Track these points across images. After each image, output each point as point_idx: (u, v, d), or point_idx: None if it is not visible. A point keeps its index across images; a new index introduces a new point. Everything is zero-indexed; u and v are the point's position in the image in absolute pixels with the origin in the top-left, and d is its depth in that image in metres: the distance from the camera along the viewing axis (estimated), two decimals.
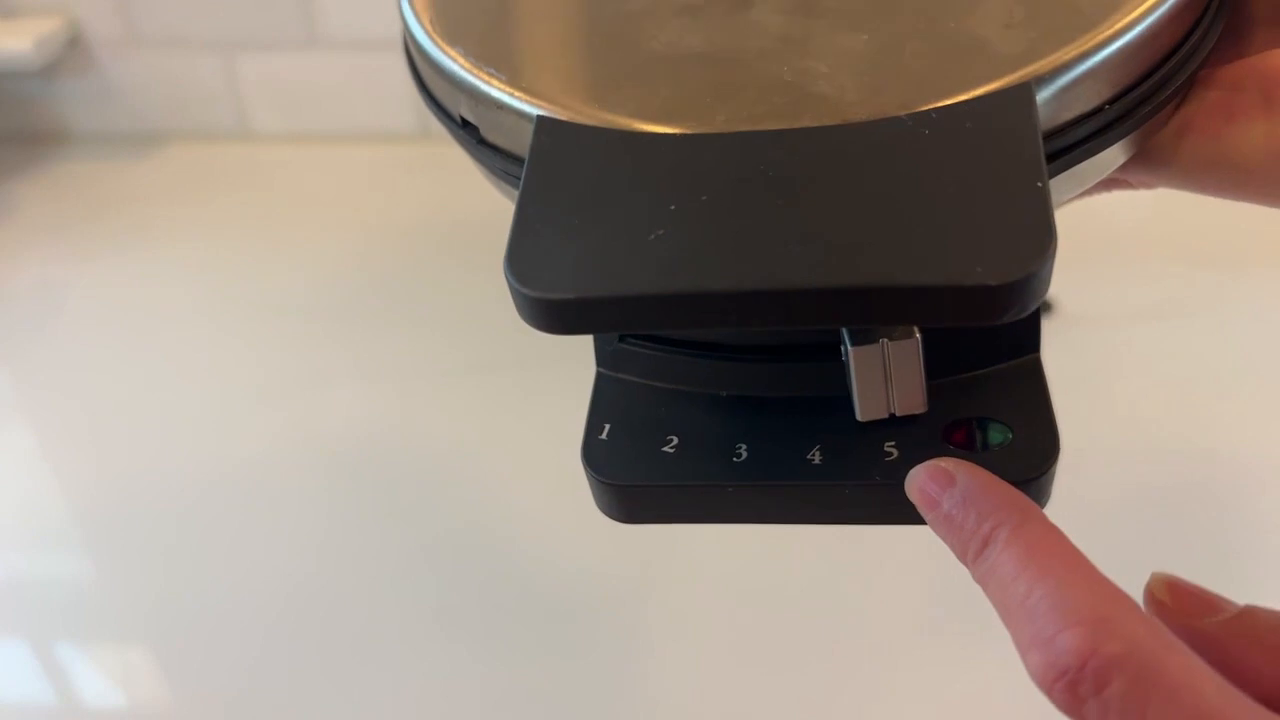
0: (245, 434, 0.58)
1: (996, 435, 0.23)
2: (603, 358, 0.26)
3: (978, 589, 0.20)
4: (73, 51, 0.92)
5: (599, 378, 0.26)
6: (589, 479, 0.25)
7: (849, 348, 0.22)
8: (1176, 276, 0.70)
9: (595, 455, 0.25)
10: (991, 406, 0.23)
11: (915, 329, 0.22)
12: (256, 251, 0.77)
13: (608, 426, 0.25)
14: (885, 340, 0.21)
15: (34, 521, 0.53)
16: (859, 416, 0.22)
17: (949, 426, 0.23)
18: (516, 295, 0.18)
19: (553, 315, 0.18)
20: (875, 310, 0.18)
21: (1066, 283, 0.68)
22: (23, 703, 0.44)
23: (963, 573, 0.21)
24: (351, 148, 0.94)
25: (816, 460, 0.22)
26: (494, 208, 0.89)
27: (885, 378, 0.22)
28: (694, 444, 0.24)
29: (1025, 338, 0.25)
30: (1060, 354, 0.64)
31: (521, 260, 0.18)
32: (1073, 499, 0.52)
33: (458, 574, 0.48)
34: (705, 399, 0.24)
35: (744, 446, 0.23)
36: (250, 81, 0.93)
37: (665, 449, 0.24)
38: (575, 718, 0.42)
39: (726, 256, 0.18)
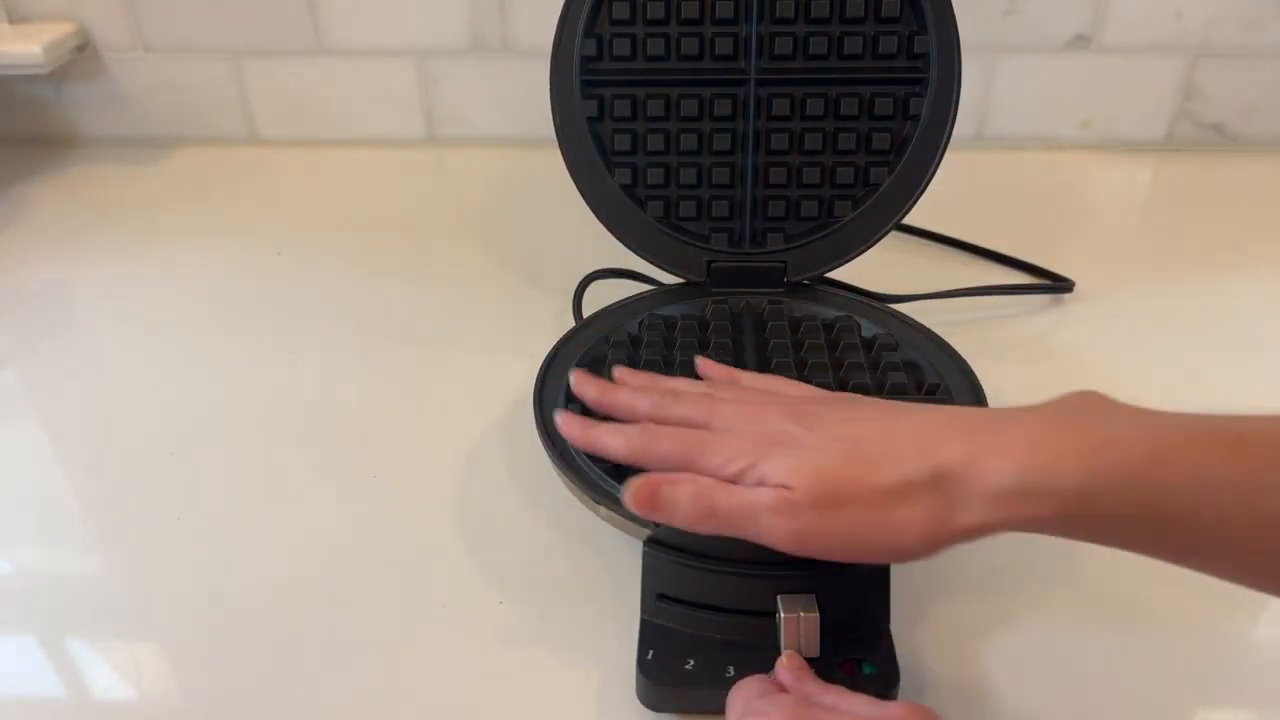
0: (254, 432, 0.59)
1: (868, 669, 0.40)
2: (646, 609, 0.43)
3: None
4: (83, 57, 0.93)
5: (643, 622, 0.42)
6: (638, 679, 0.41)
7: (781, 615, 0.40)
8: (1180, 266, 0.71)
9: (643, 667, 0.41)
10: (865, 653, 0.41)
11: (817, 610, 0.40)
12: (263, 254, 0.78)
13: (651, 651, 0.41)
14: (801, 613, 0.40)
15: (44, 518, 0.54)
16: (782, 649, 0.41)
17: (842, 662, 0.40)
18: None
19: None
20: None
21: (1085, 265, 0.71)
22: (35, 697, 0.45)
23: None
24: (357, 153, 0.95)
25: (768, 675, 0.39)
26: (494, 211, 0.89)
27: (798, 634, 0.40)
28: (701, 665, 0.41)
29: (883, 620, 0.42)
30: (1074, 325, 0.66)
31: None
32: None
33: (464, 570, 0.49)
34: (708, 638, 0.41)
35: (731, 668, 0.40)
36: (258, 88, 0.94)
37: (685, 667, 0.41)
38: None
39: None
